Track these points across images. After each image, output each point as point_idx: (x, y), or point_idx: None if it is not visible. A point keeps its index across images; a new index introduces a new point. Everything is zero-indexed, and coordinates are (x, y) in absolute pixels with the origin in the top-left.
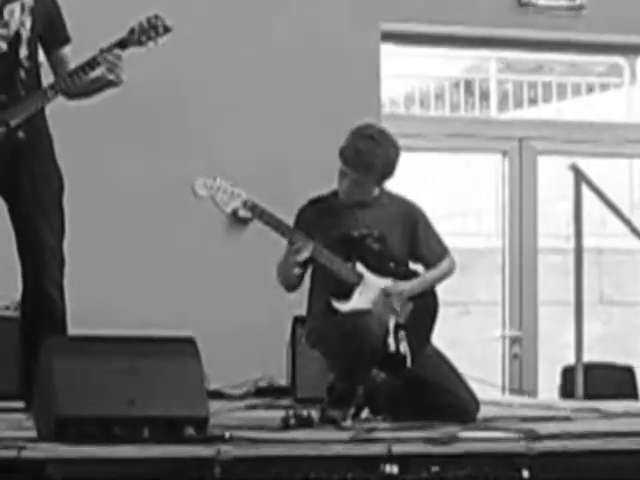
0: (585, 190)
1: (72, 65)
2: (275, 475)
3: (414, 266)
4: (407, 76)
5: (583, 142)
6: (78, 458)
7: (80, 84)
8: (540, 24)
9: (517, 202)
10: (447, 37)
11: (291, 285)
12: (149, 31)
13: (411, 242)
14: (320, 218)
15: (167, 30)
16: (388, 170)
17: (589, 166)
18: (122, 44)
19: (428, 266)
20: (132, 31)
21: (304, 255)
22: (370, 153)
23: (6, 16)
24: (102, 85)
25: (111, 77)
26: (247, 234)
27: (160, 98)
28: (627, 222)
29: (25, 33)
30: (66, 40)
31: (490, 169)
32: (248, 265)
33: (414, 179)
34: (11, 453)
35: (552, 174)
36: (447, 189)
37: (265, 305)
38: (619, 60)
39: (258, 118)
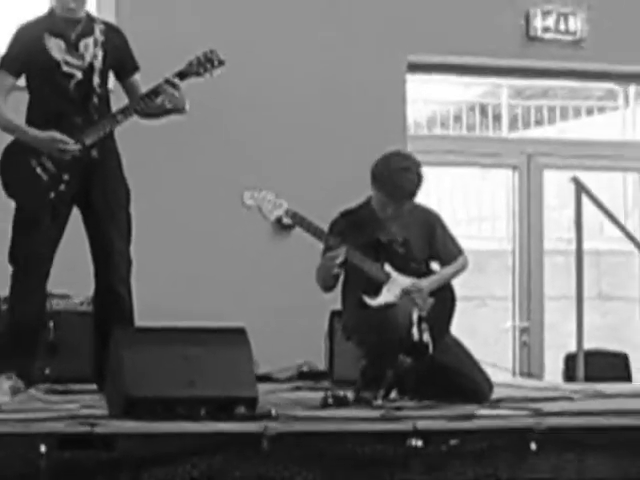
0: (585, 200)
1: (142, 90)
2: (315, 448)
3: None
4: (429, 101)
5: (583, 157)
6: (144, 433)
7: (149, 108)
8: (545, 55)
9: (525, 210)
10: (465, 67)
11: (328, 286)
12: (205, 64)
13: (430, 244)
14: (351, 227)
15: (221, 63)
16: (419, 190)
17: (588, 179)
18: (181, 75)
19: (444, 264)
20: (190, 64)
21: (340, 259)
22: (411, 185)
23: (81, 49)
24: (167, 110)
25: (169, 106)
26: (290, 239)
27: (218, 121)
28: (622, 228)
29: (98, 64)
30: (135, 69)
31: (502, 181)
32: (291, 266)
33: (437, 190)
34: (85, 429)
35: (556, 186)
36: (465, 199)
37: (306, 301)
38: (614, 86)
39: (297, 139)
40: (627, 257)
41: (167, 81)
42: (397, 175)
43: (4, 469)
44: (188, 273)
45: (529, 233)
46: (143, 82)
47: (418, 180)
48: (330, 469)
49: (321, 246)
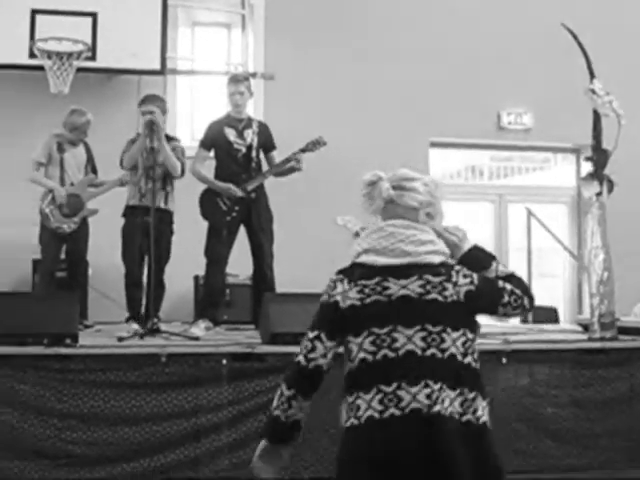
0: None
1: (277, 160)
2: None
3: None
4: (443, 163)
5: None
6: (281, 353)
7: (282, 170)
8: (509, 137)
9: (498, 226)
10: (462, 144)
11: None
12: (316, 144)
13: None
14: None
15: (324, 144)
16: None
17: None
18: (303, 150)
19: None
20: (308, 144)
21: None
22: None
23: (245, 135)
24: (292, 172)
25: (296, 168)
26: None
27: (317, 175)
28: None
29: (254, 144)
30: (274, 148)
31: (486, 212)
32: None
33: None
34: (248, 350)
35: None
36: (465, 220)
37: None
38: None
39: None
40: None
41: (294, 154)
42: None
43: (198, 374)
44: (306, 262)
45: (500, 238)
46: (279, 153)
47: None
48: None
49: None
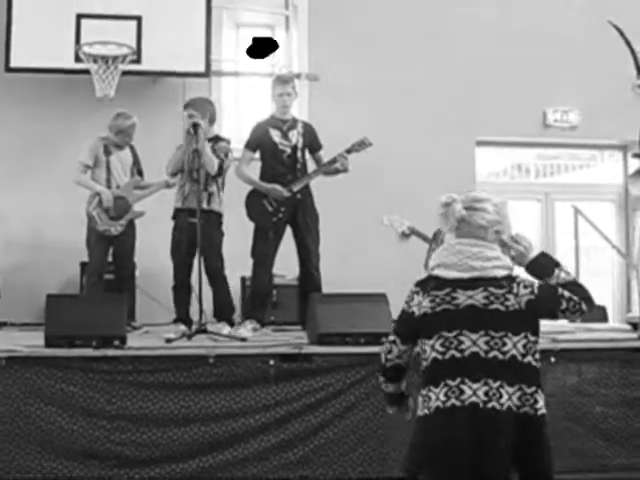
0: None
1: (324, 160)
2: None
3: None
4: (488, 162)
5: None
6: (328, 353)
7: (329, 170)
8: (556, 135)
9: (545, 225)
10: (508, 142)
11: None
12: (362, 145)
13: None
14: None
15: (370, 145)
16: None
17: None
18: (348, 151)
19: None
20: (353, 144)
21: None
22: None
23: (290, 136)
24: (339, 172)
25: (341, 168)
26: (409, 243)
27: (366, 175)
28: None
29: (299, 145)
30: (320, 148)
31: (533, 210)
32: (410, 261)
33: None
34: (295, 350)
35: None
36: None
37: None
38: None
39: (409, 186)
40: None
41: (341, 155)
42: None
43: (246, 375)
44: (352, 265)
45: (547, 237)
46: (325, 154)
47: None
48: None
49: (426, 246)
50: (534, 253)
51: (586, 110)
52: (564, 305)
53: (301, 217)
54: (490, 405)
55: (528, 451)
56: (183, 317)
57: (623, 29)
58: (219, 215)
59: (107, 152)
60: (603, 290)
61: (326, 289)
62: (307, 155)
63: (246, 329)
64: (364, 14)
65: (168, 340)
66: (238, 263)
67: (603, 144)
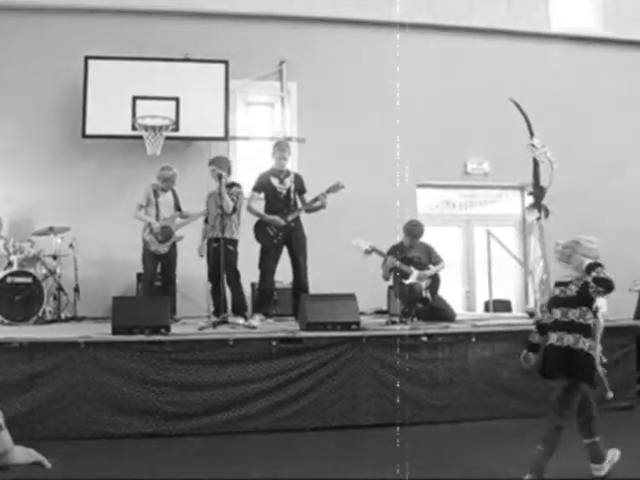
0: None
1: (307, 200)
2: (383, 341)
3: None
4: (427, 200)
5: (491, 220)
6: (314, 337)
7: (311, 208)
8: (473, 179)
9: (466, 244)
10: (440, 185)
11: (387, 278)
12: (337, 187)
13: (429, 257)
14: (395, 252)
15: (343, 187)
16: (422, 233)
17: None
18: (327, 191)
19: (435, 265)
20: (330, 187)
21: (390, 267)
22: (419, 229)
23: (285, 182)
24: (318, 209)
25: (321, 205)
26: (371, 258)
27: (335, 211)
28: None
29: (292, 188)
30: (304, 191)
31: (455, 234)
32: (370, 269)
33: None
34: (291, 335)
35: (479, 235)
36: (441, 240)
37: (377, 282)
38: (501, 191)
39: (370, 219)
40: None
41: (322, 194)
42: (413, 226)
43: (255, 352)
44: (330, 272)
45: (467, 252)
46: (309, 194)
47: (422, 226)
48: (389, 350)
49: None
50: (589, 260)
51: (495, 161)
52: (594, 294)
53: (294, 240)
54: (568, 344)
55: (578, 366)
56: (216, 310)
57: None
58: (235, 241)
59: (156, 195)
60: (508, 290)
61: (312, 291)
62: (297, 196)
63: (255, 320)
64: (340, 93)
65: (200, 328)
66: (250, 273)
67: (507, 185)
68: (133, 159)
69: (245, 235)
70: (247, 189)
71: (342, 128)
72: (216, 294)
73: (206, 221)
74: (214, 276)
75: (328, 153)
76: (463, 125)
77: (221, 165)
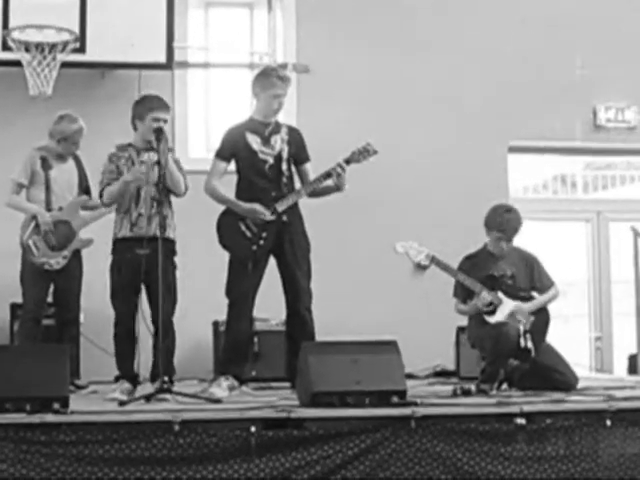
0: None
1: (311, 176)
2: (447, 426)
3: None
4: (524, 174)
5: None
6: (325, 417)
7: (318, 189)
8: (608, 139)
9: (597, 252)
10: (550, 148)
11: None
12: (364, 153)
13: (530, 277)
14: (473, 266)
15: (375, 152)
16: (521, 227)
17: None
18: (347, 161)
19: (541, 292)
20: (354, 153)
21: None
22: (515, 222)
23: (272, 143)
24: (331, 191)
25: (338, 185)
26: (426, 275)
27: (369, 194)
28: None
29: (284, 154)
30: (307, 159)
31: (578, 232)
32: (427, 295)
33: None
34: (283, 414)
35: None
36: (553, 244)
37: (438, 320)
38: None
39: (427, 204)
40: None
41: (339, 165)
42: (504, 216)
43: (220, 446)
44: (355, 304)
45: (600, 268)
46: (315, 166)
47: (519, 219)
48: (458, 441)
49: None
50: None
51: None
52: None
53: (288, 245)
54: None
55: None
56: (127, 373)
57: None
58: (173, 243)
59: (46, 166)
60: None
61: (320, 336)
62: (293, 167)
63: (220, 388)
64: None
65: (122, 402)
66: (209, 304)
67: None
68: (3, 102)
69: (199, 236)
70: (205, 156)
71: (372, 52)
72: (131, 341)
73: (117, 210)
74: (128, 310)
75: (348, 94)
76: (592, 47)
77: (165, 111)
